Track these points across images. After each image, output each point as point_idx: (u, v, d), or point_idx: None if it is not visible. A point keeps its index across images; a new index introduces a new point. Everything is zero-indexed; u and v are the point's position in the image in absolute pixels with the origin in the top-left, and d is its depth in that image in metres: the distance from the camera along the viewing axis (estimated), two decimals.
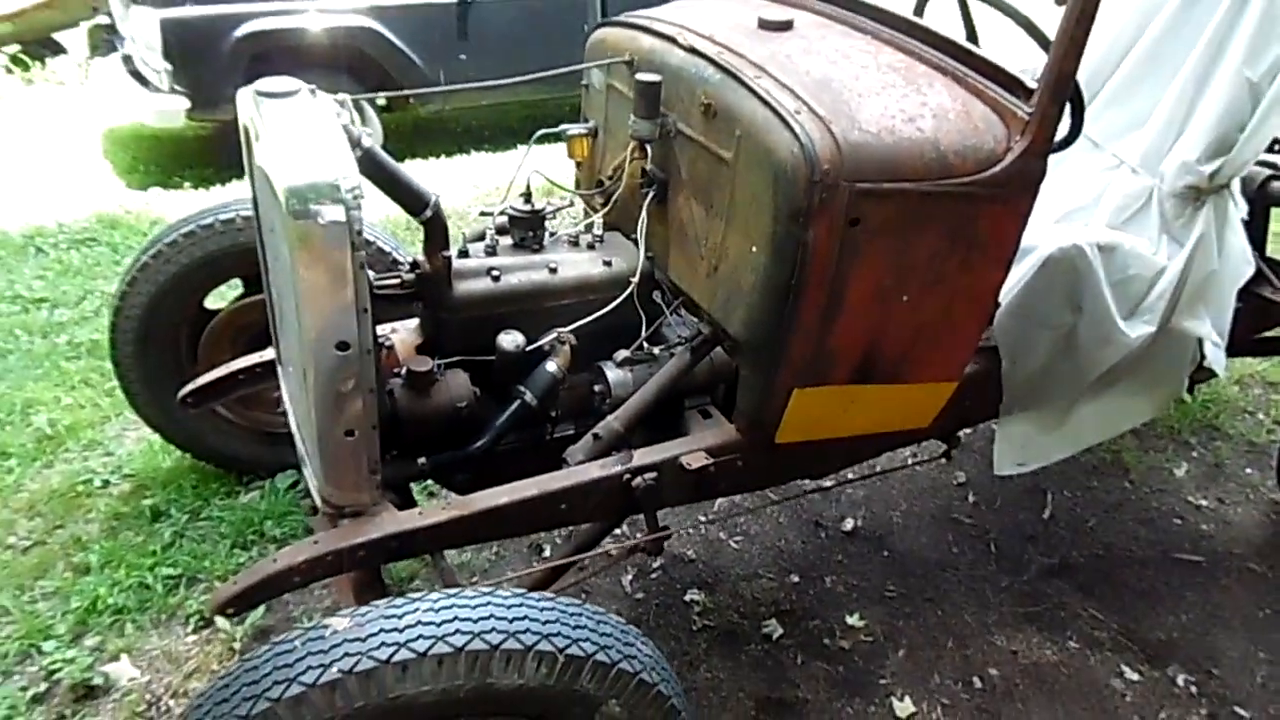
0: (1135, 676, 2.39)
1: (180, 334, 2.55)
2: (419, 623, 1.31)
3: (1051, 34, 1.72)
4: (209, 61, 4.86)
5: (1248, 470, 3.14)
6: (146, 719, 2.12)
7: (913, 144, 1.68)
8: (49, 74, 6.98)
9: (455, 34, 5.49)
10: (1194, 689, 2.36)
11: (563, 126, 2.29)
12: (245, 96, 1.69)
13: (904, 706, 2.28)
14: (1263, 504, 3.00)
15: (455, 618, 1.32)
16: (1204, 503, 3.00)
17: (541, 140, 2.20)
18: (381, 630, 1.29)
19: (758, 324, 1.82)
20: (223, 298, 2.69)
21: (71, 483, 2.76)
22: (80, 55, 7.05)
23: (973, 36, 2.25)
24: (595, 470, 1.90)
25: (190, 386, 2.24)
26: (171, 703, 2.16)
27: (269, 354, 2.26)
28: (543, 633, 1.35)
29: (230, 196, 4.93)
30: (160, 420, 2.64)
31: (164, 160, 5.62)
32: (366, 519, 1.76)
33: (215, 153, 5.54)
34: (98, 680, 2.17)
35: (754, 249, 1.77)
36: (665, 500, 2.00)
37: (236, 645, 2.28)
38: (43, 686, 2.16)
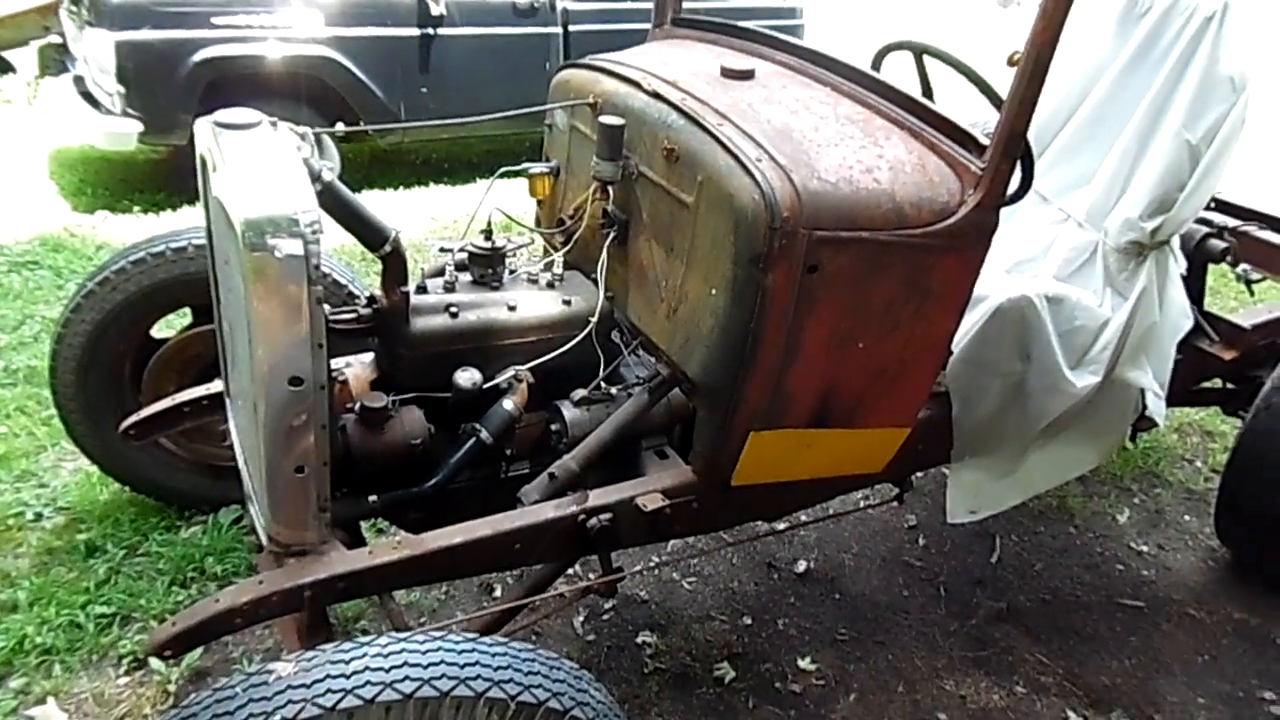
0: None
1: (124, 364, 2.48)
2: (367, 668, 1.27)
3: (1003, 91, 1.79)
4: (164, 86, 4.80)
5: (1186, 517, 3.22)
6: None
7: (870, 194, 1.72)
8: None
9: (417, 67, 5.49)
10: None
11: (525, 165, 2.29)
12: (204, 126, 1.67)
13: None
14: (1201, 550, 3.07)
15: (405, 663, 1.29)
16: (1145, 549, 3.07)
17: (504, 176, 2.20)
18: (328, 676, 1.25)
19: (715, 366, 1.83)
20: (170, 327, 2.63)
21: (2, 515, 2.65)
22: (30, 74, 6.90)
23: (928, 91, 2.32)
24: (550, 510, 1.88)
25: (134, 418, 2.18)
26: None
27: (216, 386, 2.21)
28: (494, 679, 1.32)
29: (181, 223, 4.87)
30: (99, 452, 2.56)
31: (113, 184, 5.51)
32: (314, 558, 1.72)
33: (166, 178, 5.45)
34: None
35: (713, 292, 1.78)
36: (621, 541, 1.99)
37: (171, 688, 2.19)
38: None
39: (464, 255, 2.09)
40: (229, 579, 2.50)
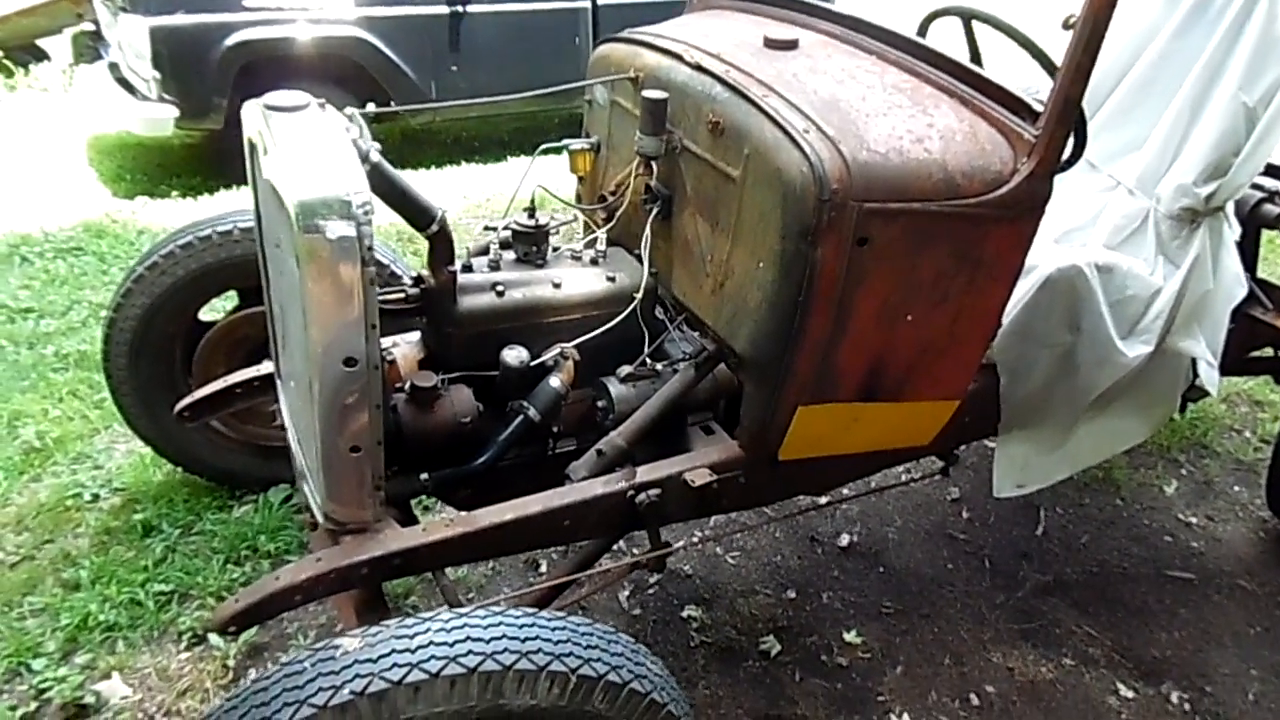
0: (1130, 694, 2.40)
1: (174, 347, 2.52)
2: (431, 643, 1.29)
3: (1056, 56, 1.75)
4: (198, 71, 4.83)
5: (1236, 488, 3.17)
6: None
7: (920, 164, 1.69)
8: (32, 80, 6.91)
9: (447, 45, 5.48)
10: (1188, 706, 2.37)
11: (565, 141, 2.29)
12: (252, 110, 1.68)
13: None
14: (1251, 521, 3.03)
15: (468, 638, 1.31)
16: (1194, 520, 3.03)
17: (545, 154, 2.20)
18: (393, 651, 1.28)
19: (763, 341, 1.82)
20: (216, 310, 2.66)
21: (60, 497, 2.71)
22: (64, 62, 6.98)
23: (976, 58, 2.27)
24: (599, 487, 1.89)
25: (187, 400, 2.22)
26: None
27: (267, 368, 2.24)
28: (555, 653, 1.34)
29: (221, 207, 4.92)
30: (153, 433, 2.60)
31: (150, 169, 5.58)
32: (369, 536, 1.74)
33: (203, 162, 5.50)
34: (89, 699, 2.13)
35: (761, 266, 1.77)
36: (668, 517, 1.99)
37: (230, 663, 2.24)
38: (32, 706, 2.11)
39: (508, 233, 2.09)
40: (282, 557, 2.55)
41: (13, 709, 2.10)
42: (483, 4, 5.49)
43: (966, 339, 1.90)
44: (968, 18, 2.16)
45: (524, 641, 1.33)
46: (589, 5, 5.80)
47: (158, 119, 4.85)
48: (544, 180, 2.16)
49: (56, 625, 2.29)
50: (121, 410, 2.58)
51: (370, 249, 1.49)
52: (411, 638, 1.30)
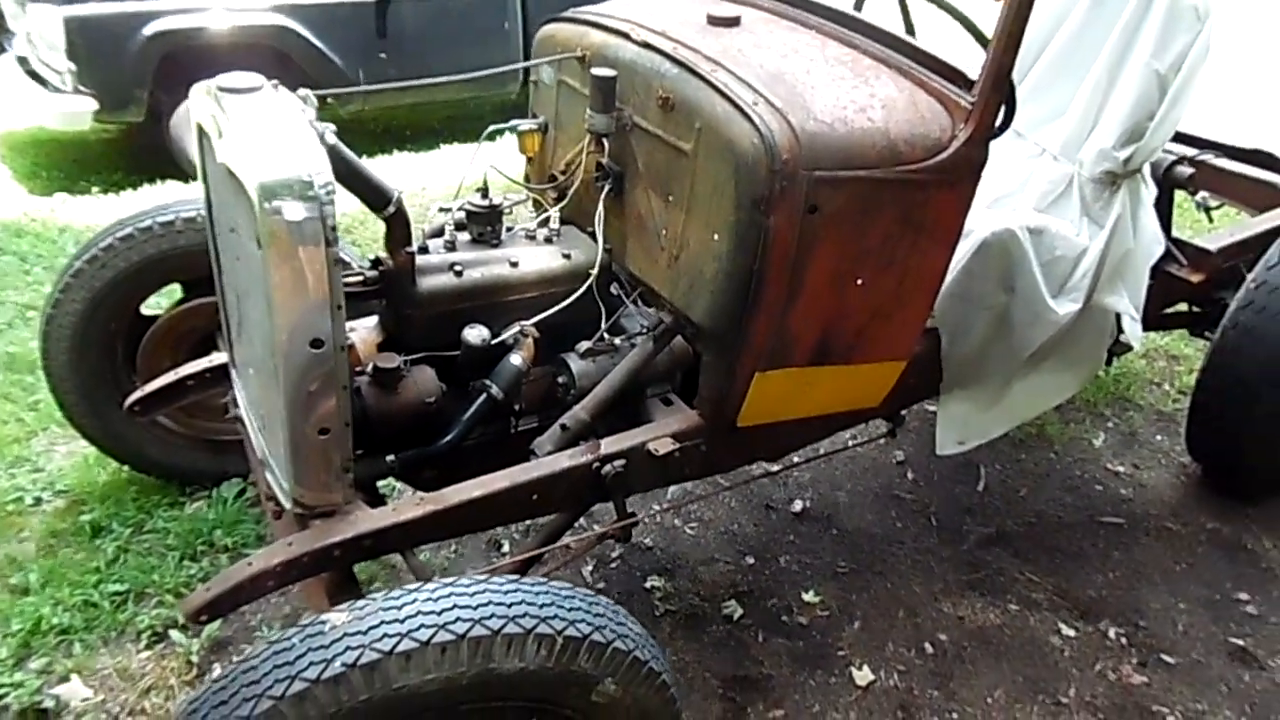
0: (1071, 633, 2.54)
1: (117, 342, 2.46)
2: (419, 612, 1.31)
3: (985, 28, 1.84)
4: (116, 61, 4.66)
5: (1158, 437, 3.36)
6: None
7: (865, 133, 1.76)
8: None
9: (374, 32, 5.39)
10: (1124, 640, 2.52)
11: (513, 122, 2.30)
12: (202, 93, 1.66)
13: (863, 675, 2.37)
14: (1173, 467, 3.21)
15: (455, 605, 1.33)
16: (1121, 469, 3.20)
17: (492, 136, 2.21)
18: (382, 622, 1.30)
19: (721, 310, 1.87)
20: (154, 306, 2.60)
21: (0, 502, 2.63)
22: None
23: (910, 31, 2.36)
24: (565, 460, 1.93)
25: (138, 394, 2.17)
26: None
27: (219, 359, 2.21)
28: (541, 616, 1.37)
29: (146, 202, 4.76)
30: (97, 432, 2.54)
31: (66, 165, 5.36)
32: (339, 518, 1.75)
33: (122, 156, 5.33)
34: (48, 703, 2.08)
35: (716, 237, 1.82)
36: (633, 487, 2.04)
37: (194, 658, 2.22)
38: None
39: (461, 215, 2.10)
40: (239, 551, 2.52)
41: None
42: None
43: (912, 300, 1.99)
44: None
45: (510, 606, 1.36)
46: None
47: (75, 112, 4.67)
48: (486, 163, 2.17)
49: (7, 631, 2.23)
50: (64, 409, 2.51)
51: (334, 229, 1.50)
52: (399, 608, 1.32)
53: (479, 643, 1.31)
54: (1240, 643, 2.53)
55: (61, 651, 2.22)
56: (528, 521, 2.69)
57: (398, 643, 1.27)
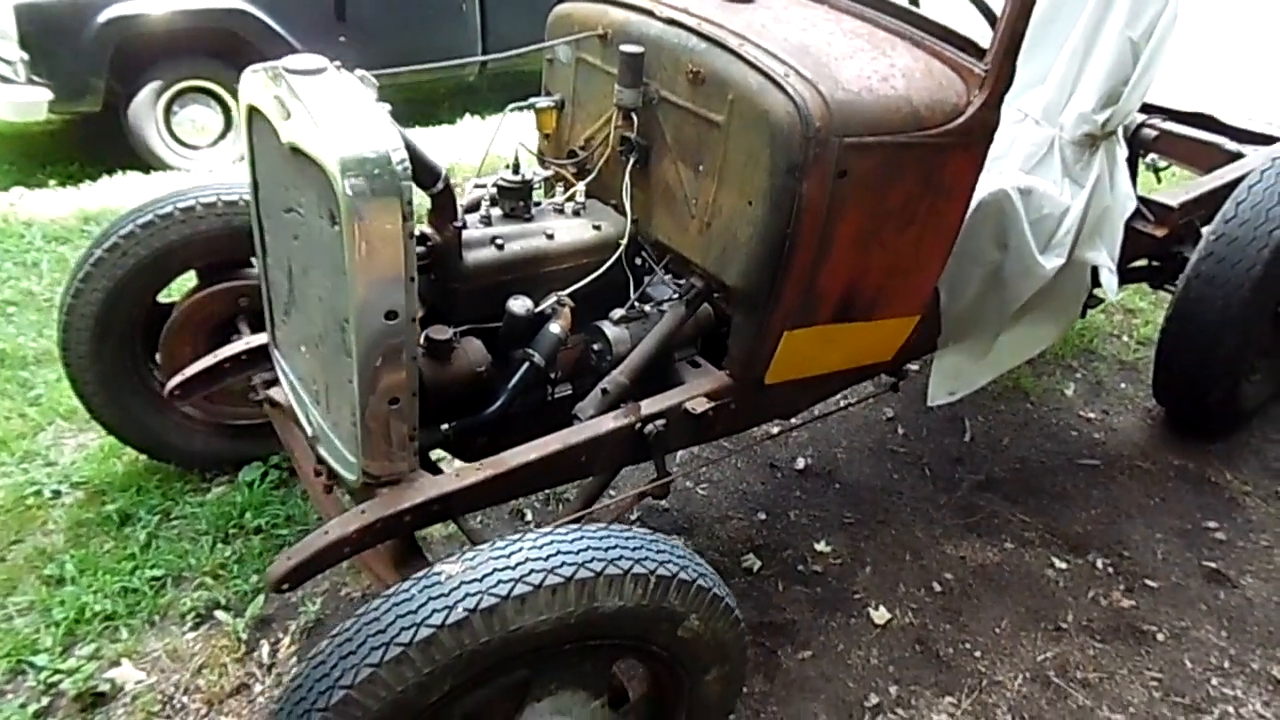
0: (1064, 565, 2.73)
1: (135, 330, 2.46)
2: (527, 559, 1.40)
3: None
4: (71, 50, 4.55)
5: (1123, 385, 3.59)
6: (163, 719, 2.08)
7: (889, 101, 1.88)
8: None
9: (333, 14, 5.34)
10: (1111, 570, 2.73)
11: (531, 100, 2.36)
12: (259, 76, 1.70)
13: (880, 614, 2.52)
14: (1139, 412, 3.45)
15: (558, 551, 1.42)
16: (1093, 415, 3.42)
17: (515, 110, 2.26)
18: (495, 570, 1.38)
19: (754, 273, 1.98)
20: (168, 293, 2.60)
21: (17, 496, 2.60)
22: None
23: (914, 3, 2.48)
24: (609, 422, 2.02)
25: (179, 378, 2.19)
26: (185, 699, 2.12)
27: (256, 340, 2.24)
28: (635, 557, 1.47)
29: (106, 195, 4.68)
30: (116, 421, 2.54)
31: (18, 158, 5.20)
32: (406, 485, 1.82)
33: (77, 148, 5.19)
34: (103, 687, 2.10)
35: (750, 203, 1.93)
36: (670, 445, 2.14)
37: (243, 635, 2.26)
38: (44, 701, 2.07)
39: (494, 190, 2.16)
40: (270, 531, 2.55)
41: (23, 706, 2.05)
42: None
43: (928, 258, 2.13)
44: None
45: (606, 550, 1.46)
46: None
47: (29, 103, 4.54)
48: (516, 139, 2.23)
49: (50, 620, 2.24)
50: (83, 400, 2.50)
51: (410, 203, 1.56)
52: (508, 556, 1.41)
53: (584, 584, 1.41)
54: (1213, 565, 2.75)
55: (108, 637, 2.23)
56: (548, 491, 2.81)
57: (513, 587, 1.36)
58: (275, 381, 2.20)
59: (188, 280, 2.59)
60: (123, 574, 2.37)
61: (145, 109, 4.94)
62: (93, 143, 4.95)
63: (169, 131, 5.12)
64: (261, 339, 2.20)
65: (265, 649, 2.25)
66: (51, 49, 4.50)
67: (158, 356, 2.53)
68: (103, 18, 4.57)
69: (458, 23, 5.78)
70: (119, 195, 4.64)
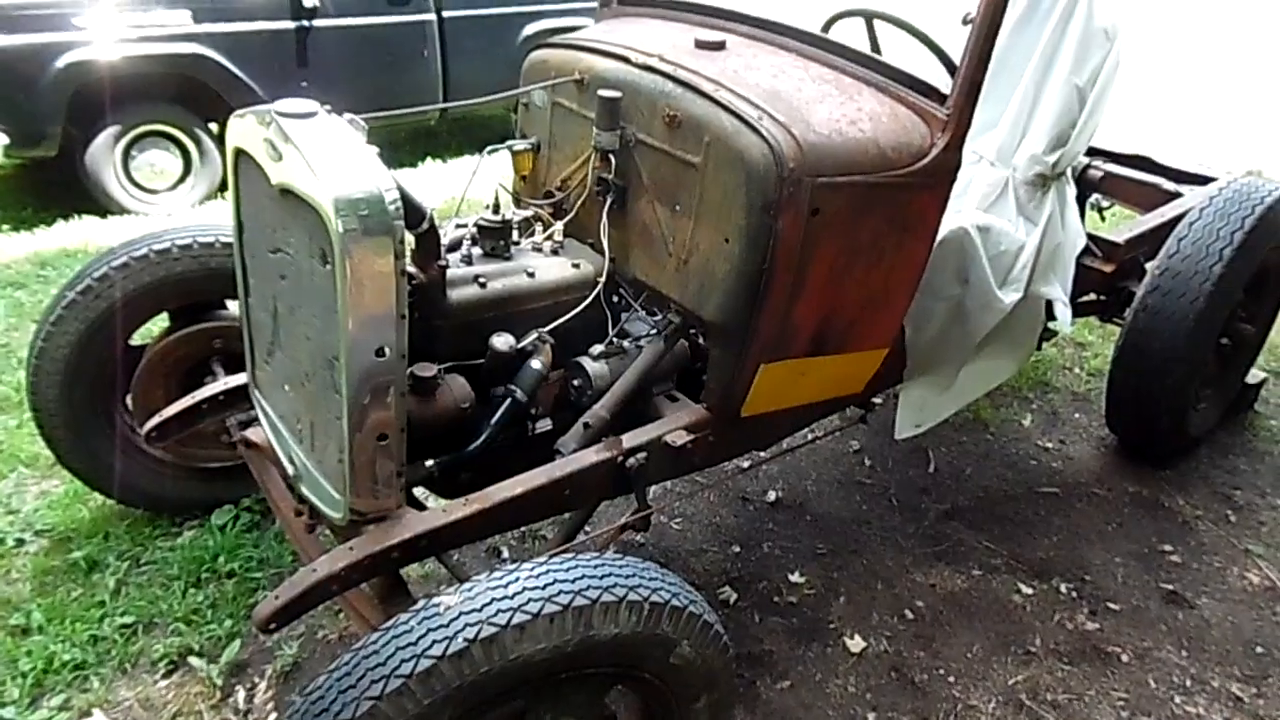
0: (1029, 591, 2.81)
1: (106, 373, 2.43)
2: (525, 589, 1.42)
3: (949, 49, 2.08)
4: (28, 95, 4.51)
5: (1077, 415, 3.72)
6: None
7: (858, 143, 1.97)
8: None
9: (295, 60, 5.37)
10: (1075, 594, 2.81)
11: (508, 142, 2.42)
12: (249, 119, 1.72)
13: (855, 643, 2.57)
14: (1094, 440, 3.57)
15: (554, 580, 1.45)
16: (1050, 445, 3.54)
17: (490, 153, 2.32)
18: (494, 600, 1.40)
19: (731, 308, 2.04)
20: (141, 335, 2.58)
21: None
22: None
23: (876, 50, 2.60)
24: (592, 455, 2.05)
25: (155, 420, 2.18)
26: None
27: (234, 381, 2.23)
28: (629, 585, 1.50)
29: (62, 239, 4.62)
30: (85, 466, 2.50)
31: None
32: (393, 522, 1.82)
33: (26, 192, 5.12)
34: None
35: (726, 241, 1.99)
36: (652, 478, 2.17)
37: (217, 682, 2.21)
38: None
39: (474, 229, 2.20)
40: (244, 575, 2.52)
41: None
42: (329, 18, 5.41)
43: (897, 292, 2.21)
44: (870, 18, 2.48)
45: (601, 578, 1.48)
46: (434, 19, 5.84)
47: None
48: (495, 181, 2.28)
49: (16, 672, 2.18)
50: (51, 445, 2.45)
51: (402, 242, 1.59)
52: (506, 586, 1.42)
53: (580, 612, 1.43)
54: (1170, 587, 2.85)
55: (77, 687, 2.18)
56: (523, 528, 2.82)
57: (512, 616, 1.38)
58: (250, 422, 2.20)
59: (159, 322, 2.57)
60: (92, 622, 2.32)
61: (103, 153, 4.90)
62: (46, 186, 4.89)
63: (127, 176, 5.09)
64: (239, 380, 2.20)
65: (241, 695, 2.21)
66: (7, 94, 4.47)
67: (128, 400, 2.50)
68: (61, 62, 4.55)
69: (419, 68, 5.86)
70: (74, 239, 4.59)
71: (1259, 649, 2.63)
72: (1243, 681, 2.52)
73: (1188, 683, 2.51)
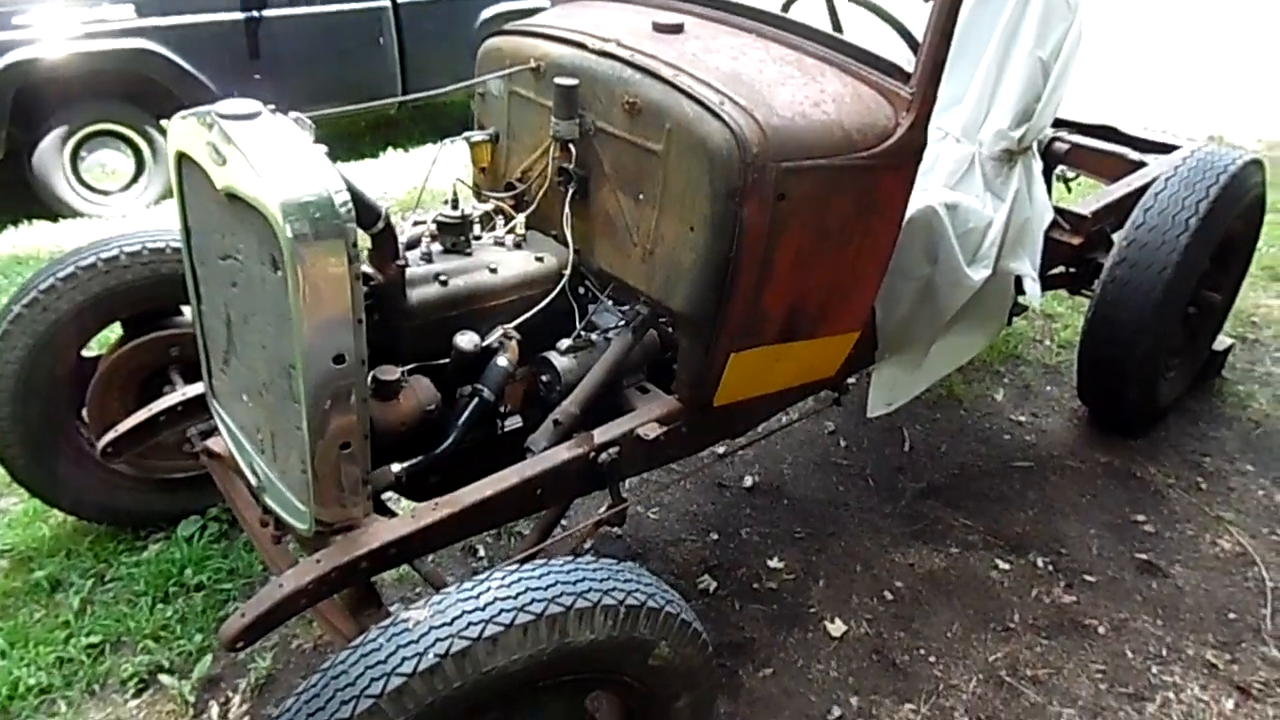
0: (1006, 566, 2.81)
1: (59, 387, 2.35)
2: (497, 599, 1.38)
3: (912, 27, 2.05)
4: None
5: (1049, 388, 3.73)
6: None
7: (822, 125, 1.93)
8: None
9: (246, 53, 5.23)
10: (1051, 567, 2.82)
11: (466, 134, 2.36)
12: (191, 122, 1.66)
13: (836, 627, 2.56)
14: (1066, 413, 3.58)
15: (527, 589, 1.41)
16: (1023, 419, 3.55)
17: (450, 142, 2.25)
18: (464, 612, 1.36)
19: (699, 297, 2.00)
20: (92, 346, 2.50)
21: None
22: None
23: (838, 29, 2.56)
24: (564, 453, 2.01)
25: (111, 435, 2.11)
26: None
27: (192, 391, 2.17)
28: (603, 589, 1.47)
29: (13, 242, 4.48)
30: (44, 484, 2.42)
31: None
32: (361, 531, 1.78)
33: None
34: None
35: (692, 229, 1.95)
36: (625, 472, 2.14)
37: (189, 699, 2.16)
38: None
39: (433, 226, 2.14)
40: (213, 587, 2.46)
41: None
42: (280, 8, 5.28)
43: (866, 275, 2.18)
44: None
45: (575, 584, 1.45)
46: (390, 4, 5.72)
47: None
48: (453, 175, 2.22)
49: None
50: (6, 464, 2.38)
51: (355, 244, 1.54)
52: (477, 597, 1.39)
53: (555, 620, 1.40)
54: (1145, 557, 2.87)
55: (45, 711, 2.12)
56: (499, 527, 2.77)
57: (484, 628, 1.34)
58: (212, 432, 2.14)
59: (114, 331, 2.50)
60: (57, 643, 2.26)
61: (51, 155, 4.76)
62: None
63: (77, 177, 4.95)
64: (197, 389, 2.13)
65: (215, 711, 2.17)
66: None
67: (84, 413, 2.42)
68: (1, 63, 4.40)
69: (377, 56, 5.74)
70: (26, 245, 4.46)
71: (1231, 615, 2.65)
72: (1217, 648, 2.54)
73: (1164, 652, 2.53)
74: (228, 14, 5.13)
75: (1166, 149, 3.53)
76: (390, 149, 6.22)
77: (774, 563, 2.78)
